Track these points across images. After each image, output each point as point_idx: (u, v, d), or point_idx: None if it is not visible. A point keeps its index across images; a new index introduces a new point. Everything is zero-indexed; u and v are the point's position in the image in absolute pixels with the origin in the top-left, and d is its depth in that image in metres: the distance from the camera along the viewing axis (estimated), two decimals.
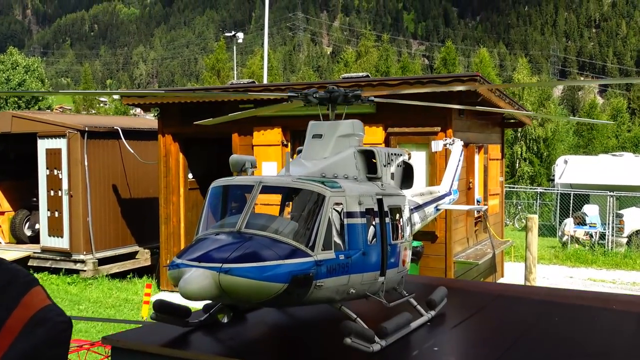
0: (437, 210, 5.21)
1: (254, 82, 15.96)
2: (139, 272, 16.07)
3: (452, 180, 5.74)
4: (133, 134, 16.25)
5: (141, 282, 15.06)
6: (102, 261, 15.67)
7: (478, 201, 13.13)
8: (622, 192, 22.31)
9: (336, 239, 3.46)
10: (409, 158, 4.27)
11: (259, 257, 3.15)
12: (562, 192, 24.62)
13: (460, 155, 5.82)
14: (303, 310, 4.23)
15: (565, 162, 26.37)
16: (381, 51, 64.92)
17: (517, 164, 47.73)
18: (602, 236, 21.66)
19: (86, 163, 15.19)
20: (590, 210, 22.37)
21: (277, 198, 4.06)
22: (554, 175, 28.09)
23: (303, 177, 3.65)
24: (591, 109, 61.54)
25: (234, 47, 48.34)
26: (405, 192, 4.37)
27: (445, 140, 5.98)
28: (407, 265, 4.15)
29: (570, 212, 23.29)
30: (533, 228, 11.03)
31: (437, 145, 5.89)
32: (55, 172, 15.43)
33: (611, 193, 21.78)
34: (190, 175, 14.82)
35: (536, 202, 29.66)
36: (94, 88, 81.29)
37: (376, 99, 4.02)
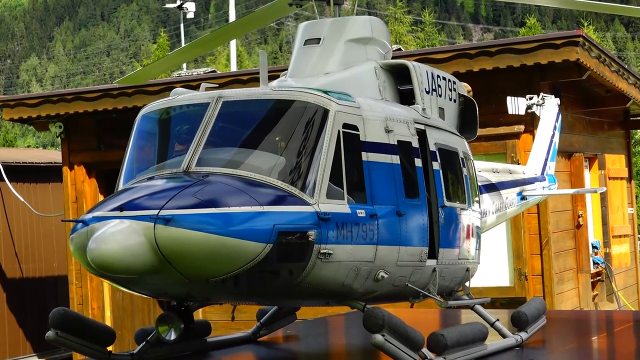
0: (523, 199, 5.14)
1: (214, 70, 16.07)
2: None
3: (546, 159, 5.67)
4: (23, 173, 16.26)
5: None
6: None
7: (595, 247, 13.03)
8: None
9: (350, 183, 3.36)
10: (470, 93, 4.23)
11: (220, 201, 3.07)
12: None
13: (557, 121, 5.77)
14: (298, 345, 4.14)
15: None
16: (422, 41, 65.71)
17: None
18: None
19: None
20: None
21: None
22: None
23: (288, 85, 3.60)
24: None
25: (182, 34, 49.05)
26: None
27: (531, 98, 5.90)
28: (476, 255, 4.03)
29: None
30: None
31: (514, 105, 5.83)
32: None
33: None
34: None
35: None
36: None
37: None
